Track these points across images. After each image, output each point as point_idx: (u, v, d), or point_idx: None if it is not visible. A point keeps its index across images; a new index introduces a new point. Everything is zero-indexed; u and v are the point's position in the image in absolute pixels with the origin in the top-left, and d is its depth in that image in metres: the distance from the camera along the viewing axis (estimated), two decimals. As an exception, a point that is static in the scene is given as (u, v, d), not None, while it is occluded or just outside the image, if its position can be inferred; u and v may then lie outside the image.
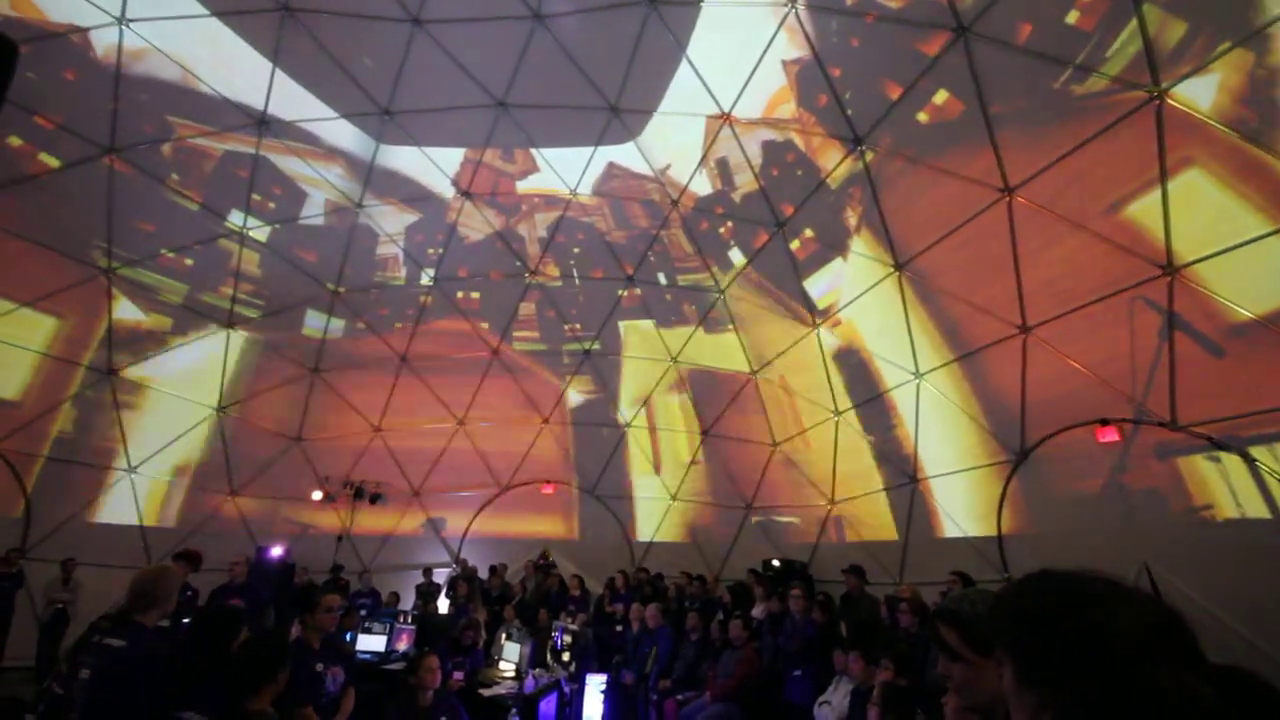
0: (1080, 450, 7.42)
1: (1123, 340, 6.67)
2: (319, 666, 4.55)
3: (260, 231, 10.05)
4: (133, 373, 10.28)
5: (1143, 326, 6.48)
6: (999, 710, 0.98)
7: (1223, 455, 6.20)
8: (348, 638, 7.05)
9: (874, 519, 10.34)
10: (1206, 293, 5.86)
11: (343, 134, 9.42)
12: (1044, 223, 6.78)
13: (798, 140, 8.54)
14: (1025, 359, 7.58)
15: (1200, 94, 5.32)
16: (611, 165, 9.93)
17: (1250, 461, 6.01)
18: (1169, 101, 5.46)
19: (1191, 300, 6.00)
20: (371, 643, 7.36)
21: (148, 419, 10.82)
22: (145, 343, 10.29)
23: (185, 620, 6.21)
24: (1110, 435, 6.99)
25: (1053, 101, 6.26)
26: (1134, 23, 5.35)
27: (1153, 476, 6.86)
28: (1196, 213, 5.74)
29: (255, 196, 9.62)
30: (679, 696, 7.02)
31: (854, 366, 9.98)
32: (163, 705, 2.82)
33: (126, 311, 9.85)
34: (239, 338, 10.94)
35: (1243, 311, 5.68)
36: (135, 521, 10.90)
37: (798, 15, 7.19)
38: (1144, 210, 5.99)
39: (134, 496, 10.89)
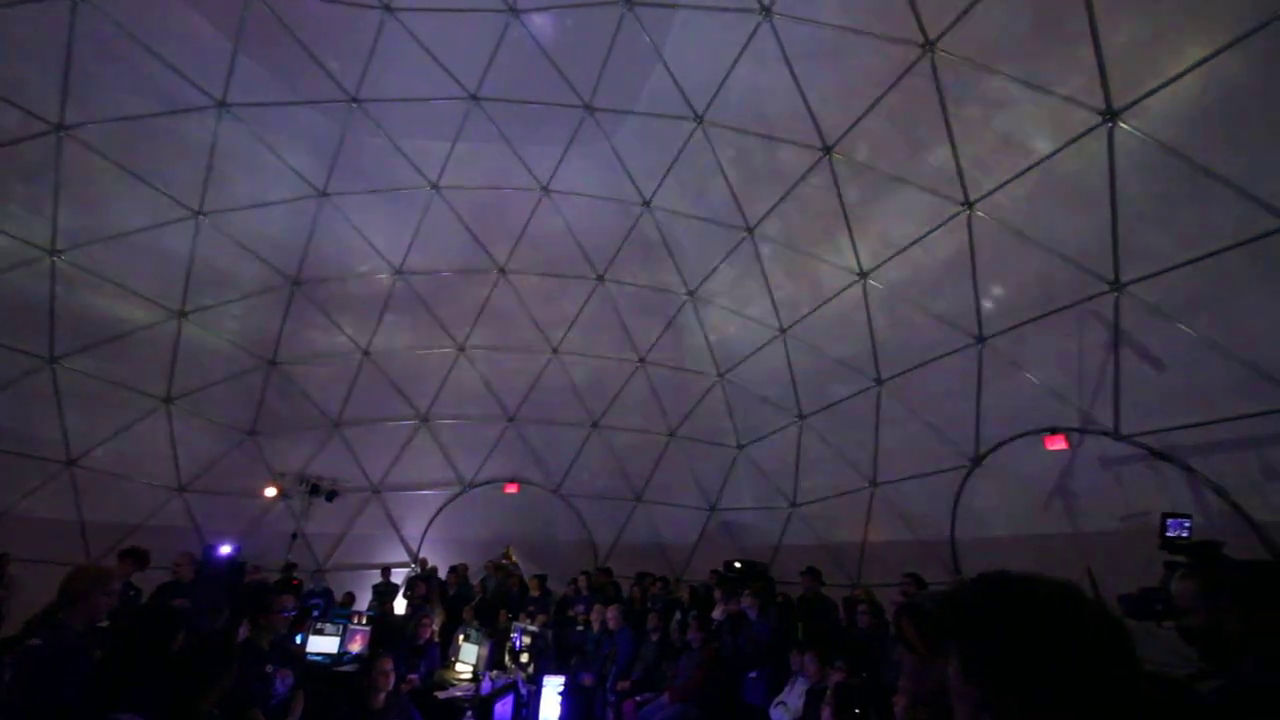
0: (1031, 457, 7.68)
1: (1072, 352, 6.94)
2: (268, 668, 4.42)
3: (217, 217, 9.68)
4: (76, 361, 9.80)
5: (1091, 339, 6.75)
6: (943, 706, 1.00)
7: (1162, 465, 6.49)
8: (297, 639, 6.85)
9: (834, 521, 10.53)
10: (1151, 306, 6.14)
11: (308, 120, 9.16)
12: (1003, 236, 7.02)
13: (769, 146, 8.63)
14: (981, 368, 7.82)
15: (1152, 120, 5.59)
16: (585, 164, 9.87)
17: (1188, 471, 6.30)
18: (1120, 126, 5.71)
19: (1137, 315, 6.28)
20: (323, 644, 7.16)
21: (90, 409, 10.32)
22: (90, 330, 9.81)
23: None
24: (1058, 444, 7.24)
25: (1014, 117, 6.49)
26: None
27: (1097, 484, 7.14)
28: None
29: (212, 180, 9.27)
30: (638, 698, 7.01)
31: (818, 372, 10.14)
32: (95, 705, 2.71)
33: (70, 296, 9.37)
34: (191, 327, 10.51)
35: (1183, 328, 5.97)
36: (74, 516, 10.39)
37: (771, 24, 7.28)
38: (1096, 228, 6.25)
39: (74, 490, 10.39)
